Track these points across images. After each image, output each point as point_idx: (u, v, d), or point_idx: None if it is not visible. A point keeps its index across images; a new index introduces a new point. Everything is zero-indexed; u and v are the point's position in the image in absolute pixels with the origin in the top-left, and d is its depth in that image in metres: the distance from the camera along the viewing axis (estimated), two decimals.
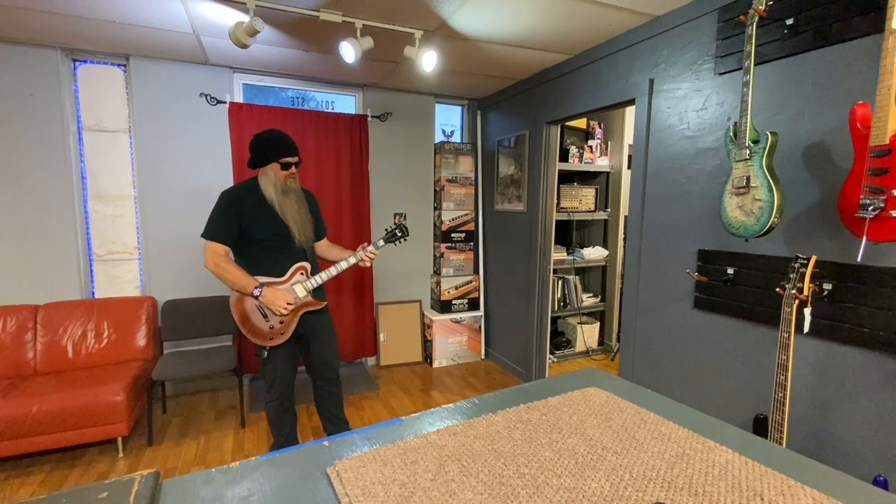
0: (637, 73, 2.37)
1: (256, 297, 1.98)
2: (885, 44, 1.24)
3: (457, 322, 3.88)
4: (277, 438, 2.23)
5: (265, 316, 2.03)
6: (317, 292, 2.16)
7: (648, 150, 2.32)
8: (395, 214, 3.87)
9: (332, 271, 2.14)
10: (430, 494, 0.65)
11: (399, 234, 2.24)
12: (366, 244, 2.19)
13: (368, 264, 2.19)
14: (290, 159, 2.02)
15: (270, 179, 2.02)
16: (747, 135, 1.56)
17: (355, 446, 0.80)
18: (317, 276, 2.11)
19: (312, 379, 2.32)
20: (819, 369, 1.64)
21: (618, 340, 4.02)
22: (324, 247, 2.33)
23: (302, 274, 2.10)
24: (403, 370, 3.77)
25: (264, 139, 2.02)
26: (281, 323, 2.05)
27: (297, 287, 2.07)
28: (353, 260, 2.15)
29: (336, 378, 2.32)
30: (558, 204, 3.72)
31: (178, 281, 3.18)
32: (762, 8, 1.51)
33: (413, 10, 2.20)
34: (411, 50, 2.42)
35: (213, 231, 1.98)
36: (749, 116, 1.56)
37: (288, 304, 1.99)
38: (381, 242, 2.21)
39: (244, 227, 2.00)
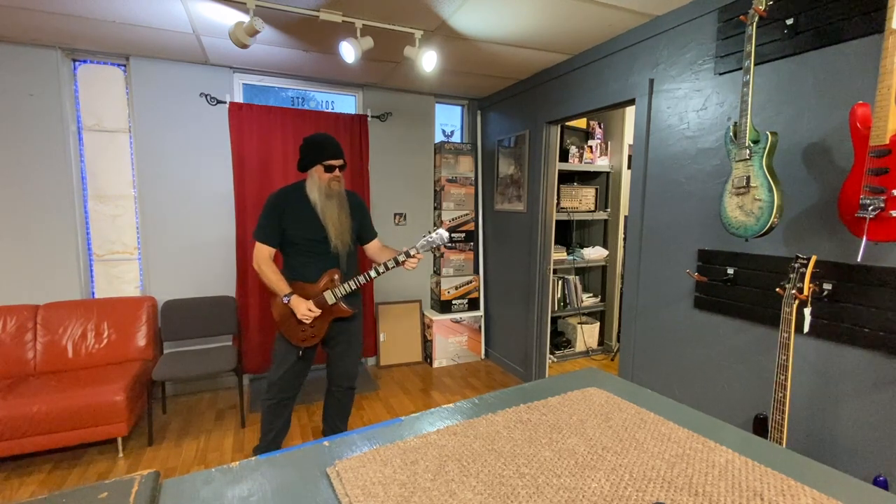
0: (637, 73, 2.37)
1: (286, 304, 2.04)
2: (885, 44, 1.24)
3: (457, 322, 3.87)
4: (262, 439, 2.20)
5: (299, 321, 2.08)
6: (349, 299, 2.15)
7: (648, 150, 2.32)
8: (395, 214, 3.87)
9: (361, 279, 2.10)
10: (430, 494, 0.65)
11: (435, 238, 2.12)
12: (405, 249, 2.09)
13: (413, 267, 2.10)
14: (333, 162, 2.03)
15: (315, 182, 2.05)
16: (747, 135, 1.56)
17: (355, 446, 0.80)
18: (345, 284, 2.09)
19: (328, 383, 2.33)
20: (819, 369, 1.64)
21: (618, 340, 4.02)
22: (374, 249, 2.30)
23: (332, 280, 2.10)
24: (403, 370, 3.77)
25: (309, 142, 2.04)
26: (312, 327, 2.09)
27: (326, 294, 2.07)
28: (383, 269, 2.07)
29: (351, 388, 2.32)
30: (558, 204, 3.72)
31: (178, 281, 3.18)
32: (762, 8, 1.51)
33: (413, 10, 2.19)
34: (411, 50, 2.42)
35: (259, 232, 2.05)
36: (749, 116, 1.55)
37: (309, 310, 2.02)
38: (424, 242, 2.10)
39: (284, 228, 2.04)
